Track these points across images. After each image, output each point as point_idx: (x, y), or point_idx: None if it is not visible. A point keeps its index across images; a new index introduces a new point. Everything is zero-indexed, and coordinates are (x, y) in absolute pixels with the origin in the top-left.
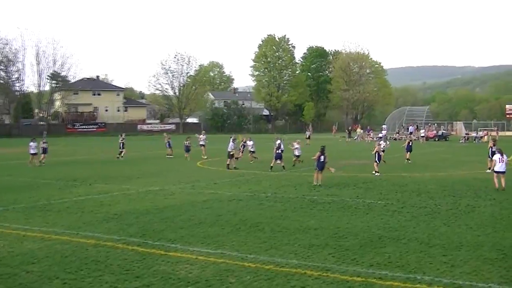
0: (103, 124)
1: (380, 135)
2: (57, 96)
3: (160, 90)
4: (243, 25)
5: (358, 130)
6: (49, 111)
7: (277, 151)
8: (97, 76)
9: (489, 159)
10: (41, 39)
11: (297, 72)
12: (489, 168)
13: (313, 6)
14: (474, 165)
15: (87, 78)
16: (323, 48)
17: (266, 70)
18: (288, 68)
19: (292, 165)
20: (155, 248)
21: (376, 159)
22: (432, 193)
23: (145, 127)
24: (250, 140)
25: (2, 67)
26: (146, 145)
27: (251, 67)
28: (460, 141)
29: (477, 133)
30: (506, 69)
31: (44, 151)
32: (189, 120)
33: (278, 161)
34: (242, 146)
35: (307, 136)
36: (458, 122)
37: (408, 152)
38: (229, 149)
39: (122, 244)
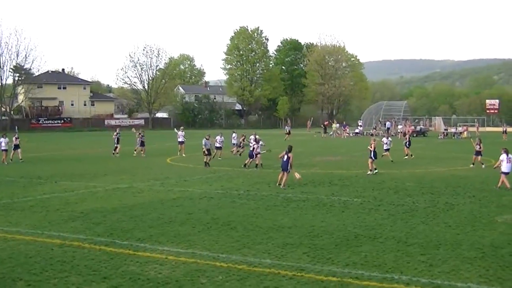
0: (69, 119)
1: (357, 130)
2: (20, 89)
3: (129, 84)
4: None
5: (334, 125)
6: (11, 106)
7: (251, 149)
8: (63, 69)
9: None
10: (2, 30)
11: (270, 65)
12: (473, 163)
13: None
14: (454, 162)
15: (52, 71)
16: (297, 40)
17: (238, 63)
18: (261, 61)
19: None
20: (123, 248)
21: (372, 156)
22: (410, 190)
23: (113, 122)
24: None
25: None
26: (113, 141)
27: (223, 60)
28: (439, 137)
29: (456, 128)
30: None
31: (16, 147)
32: (159, 115)
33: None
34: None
35: (287, 132)
36: (437, 117)
37: (407, 148)
38: (203, 146)
39: (89, 244)
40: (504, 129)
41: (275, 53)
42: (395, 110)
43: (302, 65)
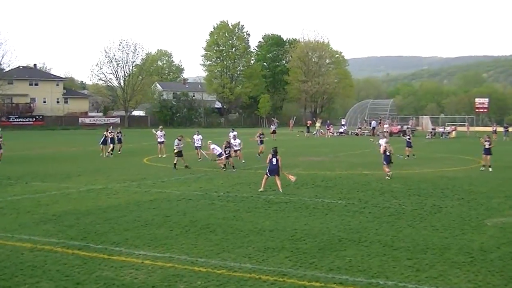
0: (41, 117)
1: (341, 130)
2: None
3: (104, 80)
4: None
5: (317, 124)
6: None
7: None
8: (34, 65)
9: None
10: None
11: (252, 62)
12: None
13: None
14: (442, 162)
15: (23, 67)
16: (279, 36)
17: (218, 59)
18: (242, 58)
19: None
20: (97, 252)
21: (384, 161)
22: (396, 192)
23: (87, 120)
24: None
25: None
26: (88, 139)
27: (202, 56)
28: (427, 137)
29: (444, 128)
30: (475, 60)
31: None
32: (135, 113)
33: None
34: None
35: (272, 131)
36: (424, 116)
37: (408, 148)
38: (174, 147)
39: (61, 248)
40: (494, 129)
41: (256, 49)
42: (381, 109)
43: (284, 62)
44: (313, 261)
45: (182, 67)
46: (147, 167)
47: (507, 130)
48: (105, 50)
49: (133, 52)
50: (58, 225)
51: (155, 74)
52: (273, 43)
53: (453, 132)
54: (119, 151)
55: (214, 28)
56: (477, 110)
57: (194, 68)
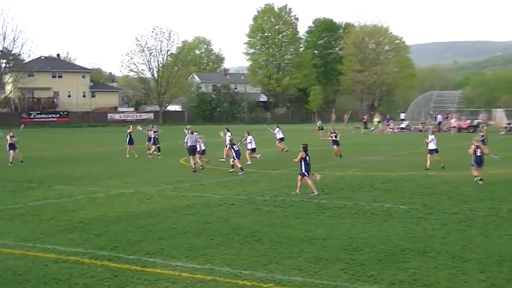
0: (65, 112)
1: (402, 125)
2: (8, 78)
3: (135, 72)
4: None
5: (375, 119)
6: None
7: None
8: (58, 55)
9: None
10: None
11: (301, 49)
12: None
13: None
14: None
15: (45, 57)
16: (332, 20)
17: (263, 47)
18: (290, 45)
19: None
20: (129, 263)
21: (474, 162)
22: (465, 196)
23: (117, 116)
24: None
25: None
26: (117, 138)
27: (245, 43)
28: (501, 132)
29: None
30: None
31: (11, 147)
32: (171, 107)
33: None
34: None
35: (320, 127)
36: (498, 109)
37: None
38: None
39: (88, 259)
40: None
41: (306, 34)
42: (447, 102)
43: (337, 49)
44: (371, 274)
45: (222, 56)
46: (184, 168)
47: None
48: (136, 38)
49: (167, 40)
50: (85, 233)
51: (192, 64)
52: (325, 28)
53: None
54: (155, 152)
55: (258, 12)
56: None
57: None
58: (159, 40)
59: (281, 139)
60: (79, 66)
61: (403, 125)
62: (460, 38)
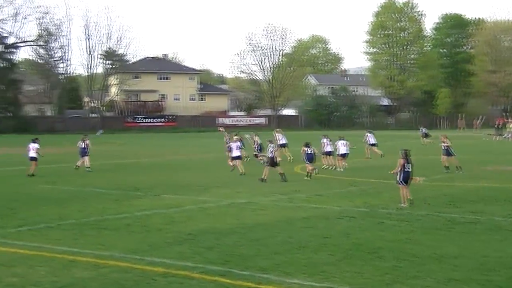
0: (173, 116)
1: None
2: (112, 80)
3: (246, 73)
4: None
5: (511, 125)
6: (102, 100)
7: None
8: (165, 55)
9: None
10: (90, 7)
11: (426, 48)
12: None
13: None
14: None
15: (151, 58)
16: (461, 16)
17: (385, 46)
18: (414, 43)
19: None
20: (242, 279)
21: None
22: None
23: (227, 120)
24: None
25: (41, 43)
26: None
27: (365, 42)
28: None
29: None
30: None
31: (84, 152)
32: (285, 111)
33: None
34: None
35: (423, 134)
36: None
37: None
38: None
39: (198, 274)
40: None
41: (432, 32)
42: None
43: (468, 48)
44: None
45: (340, 56)
46: (300, 177)
47: None
48: (247, 37)
49: (281, 39)
50: (194, 246)
51: (308, 65)
52: (454, 25)
53: None
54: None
55: (379, 8)
56: None
57: (355, 57)
58: (272, 39)
59: (373, 145)
60: (187, 67)
61: None
62: None
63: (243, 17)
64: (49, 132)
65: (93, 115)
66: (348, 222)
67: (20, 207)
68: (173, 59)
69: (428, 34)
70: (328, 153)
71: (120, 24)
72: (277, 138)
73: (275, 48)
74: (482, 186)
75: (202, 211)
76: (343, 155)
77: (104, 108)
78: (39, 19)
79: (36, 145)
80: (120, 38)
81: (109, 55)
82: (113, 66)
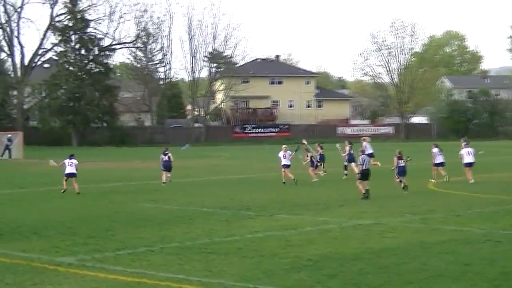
0: (286, 126)
1: None
2: (218, 85)
3: (370, 76)
4: None
5: None
6: (207, 108)
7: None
8: (277, 57)
9: None
10: (194, 4)
11: None
12: None
13: None
14: None
15: (262, 60)
16: None
17: None
18: None
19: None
20: None
21: None
22: None
23: (348, 130)
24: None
25: (139, 44)
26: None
27: (509, 38)
28: None
29: None
30: None
31: (168, 166)
32: (415, 119)
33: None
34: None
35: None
36: None
37: None
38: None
39: None
40: None
41: None
42: None
43: None
44: None
45: (480, 55)
46: (434, 195)
47: None
48: (372, 35)
49: (410, 36)
50: (315, 273)
51: (441, 66)
52: None
53: None
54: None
55: None
56: None
57: (497, 55)
58: (400, 37)
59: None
60: (303, 69)
61: None
62: None
63: (367, 12)
64: (148, 144)
65: (197, 124)
66: (493, 247)
67: (119, 228)
68: (287, 61)
69: None
70: (440, 164)
71: (227, 22)
72: (365, 147)
73: (404, 47)
74: None
75: (323, 233)
76: (469, 164)
77: (209, 117)
78: (137, 18)
79: (75, 161)
80: (227, 37)
81: (215, 57)
82: (219, 70)
